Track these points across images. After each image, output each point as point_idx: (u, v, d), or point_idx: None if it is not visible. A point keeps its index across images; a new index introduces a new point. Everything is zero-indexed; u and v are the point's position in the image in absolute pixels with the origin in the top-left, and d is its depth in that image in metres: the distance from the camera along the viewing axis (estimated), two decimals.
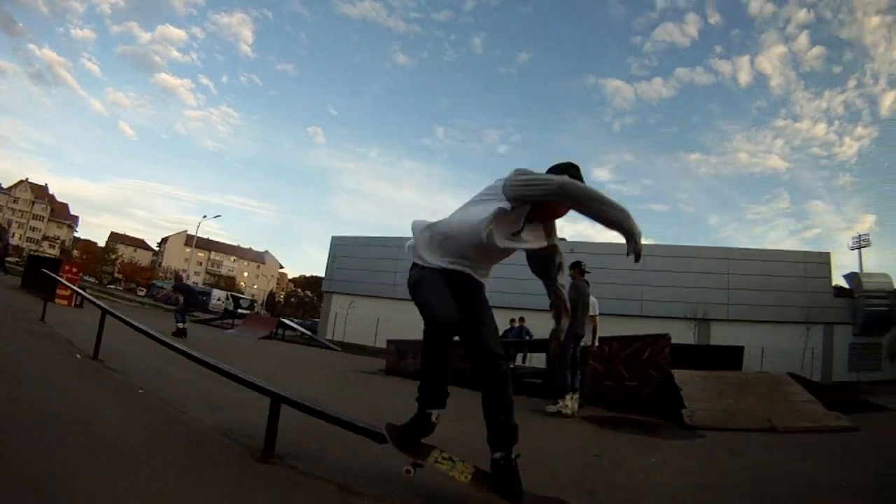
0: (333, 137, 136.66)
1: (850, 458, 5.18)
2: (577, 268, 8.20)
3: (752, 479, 3.97)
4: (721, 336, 27.95)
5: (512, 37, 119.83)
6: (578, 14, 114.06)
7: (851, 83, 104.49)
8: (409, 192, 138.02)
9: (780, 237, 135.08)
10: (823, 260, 33.12)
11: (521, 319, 17.50)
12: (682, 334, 26.03)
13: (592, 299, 8.65)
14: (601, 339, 9.49)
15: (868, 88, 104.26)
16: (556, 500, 2.85)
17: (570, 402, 7.47)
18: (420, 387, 2.93)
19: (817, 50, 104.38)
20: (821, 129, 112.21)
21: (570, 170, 2.95)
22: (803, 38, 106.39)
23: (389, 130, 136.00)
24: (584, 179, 2.89)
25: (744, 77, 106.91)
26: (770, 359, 27.22)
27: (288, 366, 11.10)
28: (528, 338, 16.45)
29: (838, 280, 33.50)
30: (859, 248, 46.46)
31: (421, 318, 2.93)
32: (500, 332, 8.44)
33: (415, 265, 3.10)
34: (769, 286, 30.64)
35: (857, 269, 37.35)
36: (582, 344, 8.50)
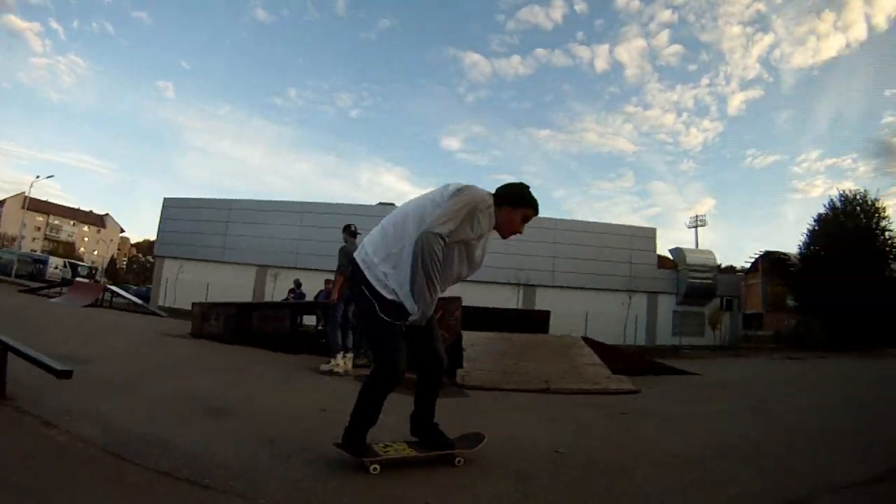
0: (184, 93, 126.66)
1: (569, 419, 4.90)
2: (348, 230, 8.14)
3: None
4: (546, 301, 29.03)
5: (377, 1, 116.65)
6: None
7: (704, 81, 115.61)
8: (256, 153, 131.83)
9: (623, 212, 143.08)
10: (649, 235, 35.53)
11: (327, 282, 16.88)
12: (508, 299, 27.96)
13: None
14: None
15: (719, 88, 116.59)
16: (477, 435, 3.27)
17: (341, 361, 7.41)
18: (356, 427, 3.00)
19: (676, 48, 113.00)
20: (670, 118, 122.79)
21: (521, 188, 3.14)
22: (664, 36, 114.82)
23: (241, 88, 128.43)
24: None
25: (601, 64, 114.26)
26: (594, 324, 28.93)
27: (92, 331, 10.34)
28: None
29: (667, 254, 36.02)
30: (696, 227, 51.27)
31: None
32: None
33: (377, 294, 2.90)
34: (596, 256, 32.57)
35: (693, 246, 39.84)
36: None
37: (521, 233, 3.10)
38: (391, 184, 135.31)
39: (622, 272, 32.28)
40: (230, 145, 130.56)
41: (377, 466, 2.90)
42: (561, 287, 31.55)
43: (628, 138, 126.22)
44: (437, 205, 2.83)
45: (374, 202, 33.34)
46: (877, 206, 30.69)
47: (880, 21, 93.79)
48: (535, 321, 12.76)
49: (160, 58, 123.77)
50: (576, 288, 31.55)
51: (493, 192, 3.06)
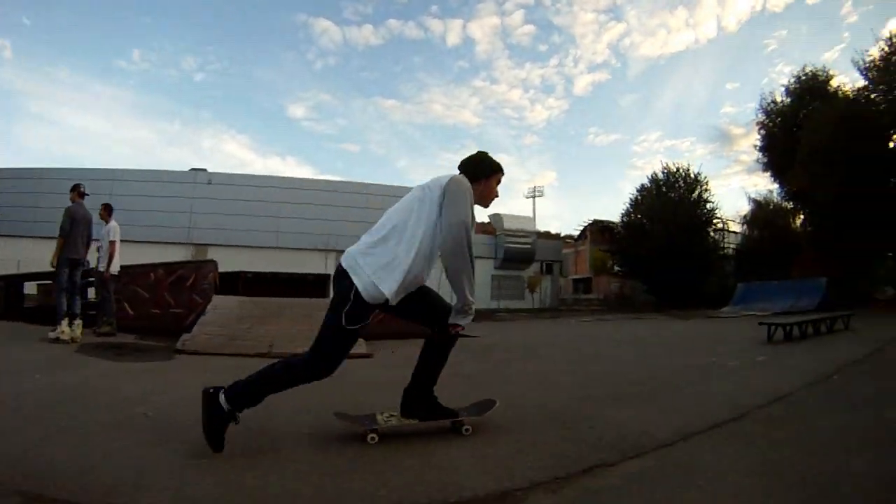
0: (22, 53, 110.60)
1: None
2: (76, 190, 8.00)
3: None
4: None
5: None
6: None
7: (553, 62, 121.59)
8: (95, 120, 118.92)
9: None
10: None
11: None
12: (317, 265, 27.34)
13: (112, 224, 8.48)
14: (145, 266, 8.74)
15: (567, 69, 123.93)
16: (488, 402, 3.38)
17: (66, 328, 7.24)
18: (250, 391, 2.85)
19: (528, 28, 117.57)
20: (516, 94, 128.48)
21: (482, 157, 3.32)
22: (518, 15, 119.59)
23: (85, 47, 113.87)
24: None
25: (452, 38, 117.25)
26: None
27: None
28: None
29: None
30: (533, 197, 54.76)
31: None
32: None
33: (357, 295, 2.87)
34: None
35: (531, 215, 42.01)
36: (98, 269, 8.37)
37: (497, 196, 3.26)
38: (233, 151, 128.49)
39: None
40: (68, 112, 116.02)
41: (375, 436, 2.94)
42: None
43: (474, 111, 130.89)
44: (433, 201, 2.92)
45: (186, 168, 32.49)
46: (698, 179, 34.06)
47: (730, 24, 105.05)
48: (310, 284, 13.55)
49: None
50: None
51: (459, 173, 3.13)
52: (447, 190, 2.89)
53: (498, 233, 35.89)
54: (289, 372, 2.87)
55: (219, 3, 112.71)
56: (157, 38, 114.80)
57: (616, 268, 38.04)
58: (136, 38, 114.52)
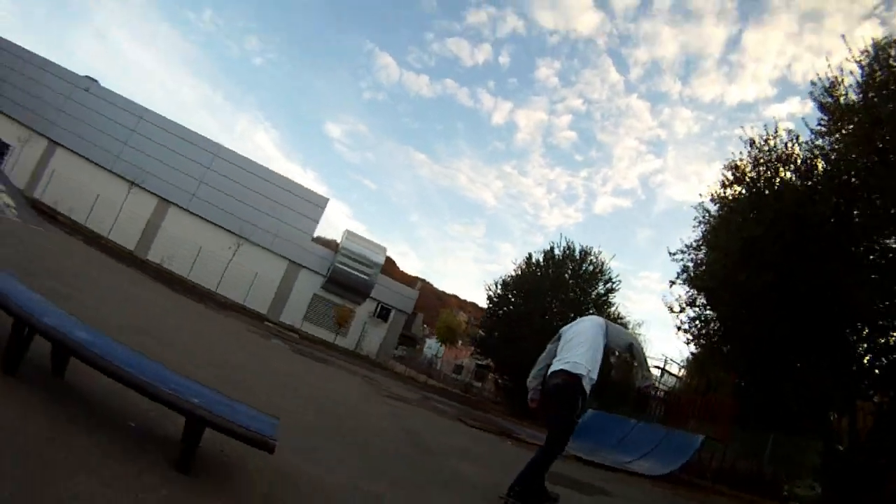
0: None
1: None
2: None
3: None
4: (173, 223, 31.05)
5: None
6: None
7: (583, 173, 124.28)
8: (146, 56, 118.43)
9: (466, 257, 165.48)
10: (319, 203, 34.54)
11: None
12: (142, 205, 29.47)
13: None
14: None
15: (595, 185, 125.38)
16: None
17: None
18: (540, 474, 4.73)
19: (571, 134, 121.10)
20: (539, 192, 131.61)
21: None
22: (566, 119, 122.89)
23: None
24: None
25: (498, 118, 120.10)
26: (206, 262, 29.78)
27: None
28: None
29: None
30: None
31: None
32: None
33: (580, 380, 4.54)
34: (247, 199, 31.99)
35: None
36: None
37: None
38: (261, 143, 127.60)
39: (264, 225, 31.47)
40: (127, 39, 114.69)
41: None
42: (193, 214, 31.07)
43: (495, 194, 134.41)
44: (601, 330, 4.91)
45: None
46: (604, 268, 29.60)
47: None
48: None
49: None
50: (205, 220, 30.81)
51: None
52: (608, 325, 5.05)
53: (338, 251, 32.81)
54: (547, 457, 4.64)
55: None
56: (230, 7, 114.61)
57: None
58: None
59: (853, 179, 12.63)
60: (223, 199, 31.10)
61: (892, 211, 12.16)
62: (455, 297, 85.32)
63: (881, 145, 12.04)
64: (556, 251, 29.68)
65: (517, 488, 4.36)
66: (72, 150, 30.10)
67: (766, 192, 14.23)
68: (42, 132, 29.67)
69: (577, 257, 29.28)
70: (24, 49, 32.02)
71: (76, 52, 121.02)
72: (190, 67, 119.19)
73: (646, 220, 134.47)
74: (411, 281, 40.78)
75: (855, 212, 13.05)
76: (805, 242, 12.93)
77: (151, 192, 30.16)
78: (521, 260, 31.55)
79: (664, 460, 14.75)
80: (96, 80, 33.15)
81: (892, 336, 13.75)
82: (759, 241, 13.46)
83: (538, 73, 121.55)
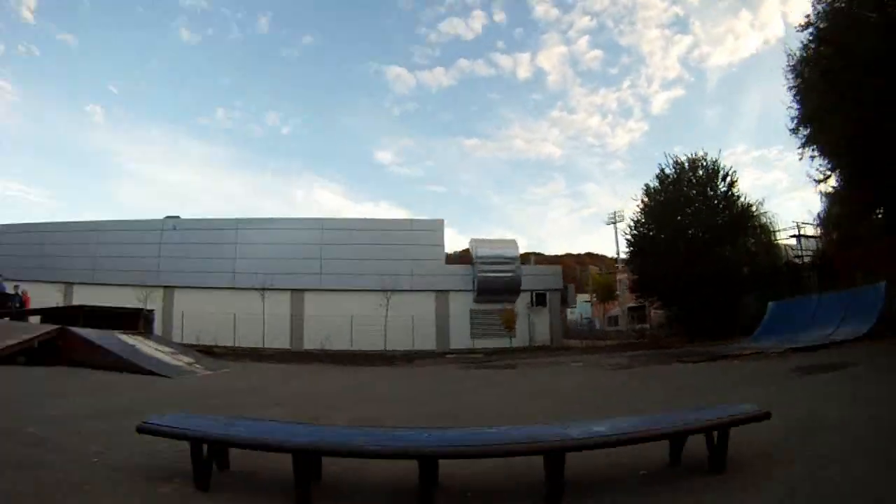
0: (113, 117, 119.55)
1: None
2: None
3: None
4: (313, 306, 31.63)
5: (299, 18, 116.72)
6: (366, 1, 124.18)
7: (626, 83, 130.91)
8: (187, 174, 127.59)
9: (559, 216, 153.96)
10: (434, 227, 35.17)
11: None
12: (278, 304, 30.68)
13: None
14: None
15: (642, 89, 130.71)
16: None
17: None
18: None
19: (596, 53, 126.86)
20: (595, 121, 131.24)
21: None
22: (583, 42, 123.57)
23: (168, 110, 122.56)
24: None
25: (523, 72, 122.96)
26: (362, 328, 30.05)
27: None
28: None
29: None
30: (614, 223, 52.10)
31: None
32: None
33: None
34: (370, 255, 32.50)
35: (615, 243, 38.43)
36: None
37: None
38: (326, 200, 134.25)
39: (402, 270, 32.03)
40: (161, 169, 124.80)
41: None
42: (328, 290, 32.13)
43: (556, 143, 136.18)
44: None
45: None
46: (717, 168, 29.49)
47: (797, 18, 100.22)
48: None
49: (87, 81, 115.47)
50: (341, 290, 32.04)
51: None
52: None
53: (474, 261, 34.02)
54: None
55: (292, 60, 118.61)
56: (240, 98, 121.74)
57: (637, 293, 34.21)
58: (218, 98, 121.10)
59: None
60: (349, 264, 32.19)
61: None
62: (568, 255, 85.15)
63: None
64: (667, 171, 30.30)
65: None
66: (188, 287, 31.69)
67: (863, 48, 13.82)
68: (154, 283, 30.69)
69: (687, 168, 29.70)
70: (91, 222, 35.21)
71: (124, 201, 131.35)
72: (228, 164, 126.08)
73: (705, 100, 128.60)
74: (525, 259, 42.34)
75: None
76: None
77: (282, 289, 31.29)
78: (640, 195, 31.55)
79: (859, 320, 15.57)
80: (178, 216, 35.39)
81: None
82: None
83: (536, 12, 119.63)
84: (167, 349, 16.47)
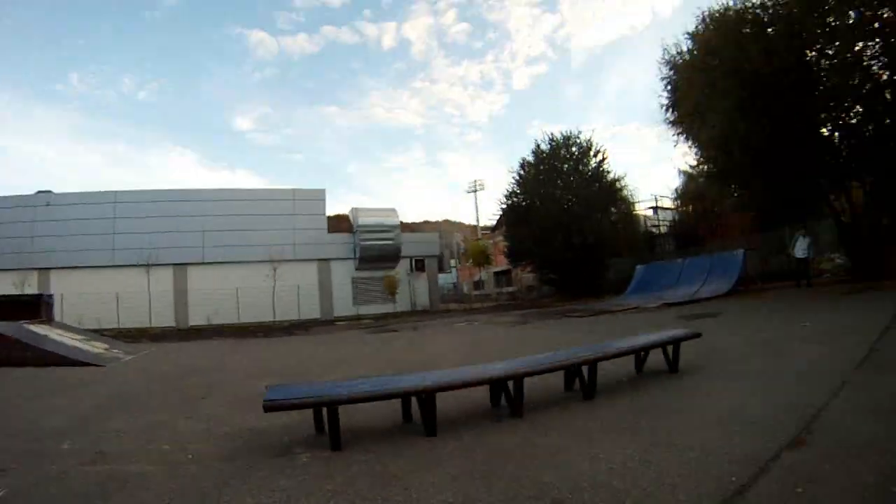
0: None
1: None
2: None
3: None
4: (198, 280, 30.64)
5: None
6: None
7: (490, 57, 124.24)
8: (41, 145, 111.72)
9: (418, 184, 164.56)
10: (317, 197, 35.46)
11: None
12: (161, 281, 29.56)
13: None
14: None
15: (505, 64, 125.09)
16: None
17: None
18: None
19: (463, 26, 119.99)
20: (456, 92, 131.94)
21: None
22: (451, 14, 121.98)
23: (20, 73, 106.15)
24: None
25: (388, 41, 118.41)
26: (247, 300, 30.21)
27: None
28: None
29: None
30: (474, 191, 57.45)
31: None
32: None
33: None
34: (253, 226, 32.25)
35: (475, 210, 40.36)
36: None
37: None
38: (185, 167, 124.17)
39: (285, 240, 32.38)
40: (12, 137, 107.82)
41: None
42: (211, 263, 31.53)
43: (416, 112, 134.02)
44: None
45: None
46: (591, 146, 32.20)
47: (664, 8, 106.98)
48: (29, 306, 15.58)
49: None
50: (229, 262, 31.54)
51: None
52: None
53: (355, 230, 34.91)
54: None
55: (154, 22, 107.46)
56: (95, 62, 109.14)
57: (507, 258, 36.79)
58: (72, 62, 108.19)
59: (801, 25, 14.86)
60: (232, 236, 31.54)
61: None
62: (426, 222, 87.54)
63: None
64: (542, 146, 32.87)
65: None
66: (63, 267, 29.61)
67: (738, 56, 15.86)
68: (29, 265, 28.66)
69: (562, 143, 32.24)
70: None
71: None
72: (81, 133, 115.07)
73: (568, 77, 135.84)
74: None
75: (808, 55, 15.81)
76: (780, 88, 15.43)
77: (164, 264, 30.10)
78: (516, 168, 33.82)
79: (721, 280, 18.94)
80: (50, 191, 32.50)
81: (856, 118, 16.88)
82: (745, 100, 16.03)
83: None
84: (78, 336, 15.66)
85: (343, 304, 33.39)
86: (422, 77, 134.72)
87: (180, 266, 31.46)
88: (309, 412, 4.78)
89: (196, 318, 30.07)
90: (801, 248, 17.02)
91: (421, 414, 4.58)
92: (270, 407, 4.16)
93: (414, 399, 4.78)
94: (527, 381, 5.14)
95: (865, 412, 4.08)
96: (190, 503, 3.19)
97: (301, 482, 3.48)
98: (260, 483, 3.49)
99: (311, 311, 32.40)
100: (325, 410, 4.35)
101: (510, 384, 5.07)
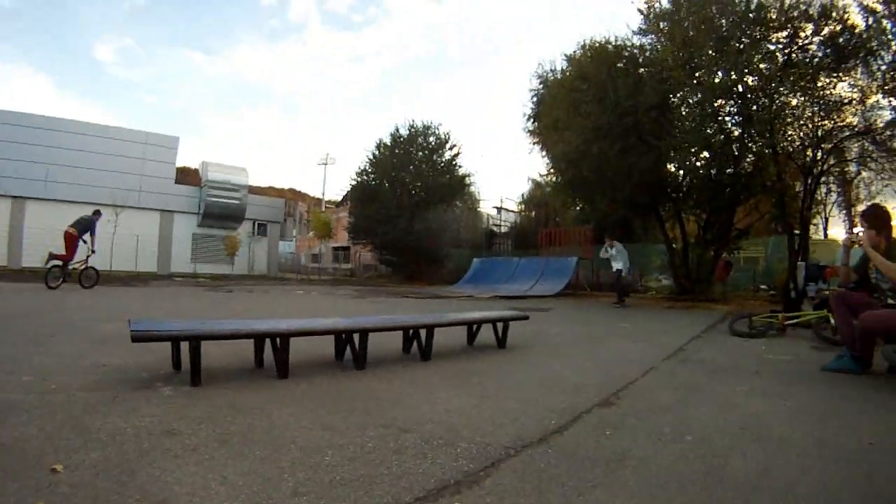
0: None
1: None
2: None
3: None
4: (38, 217, 27.68)
5: None
6: None
7: (367, 33, 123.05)
8: None
9: (272, 149, 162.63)
10: (169, 144, 33.38)
11: None
12: None
13: None
14: None
15: (380, 42, 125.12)
16: None
17: None
18: None
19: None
20: (326, 62, 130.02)
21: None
22: None
23: None
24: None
25: None
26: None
27: None
28: None
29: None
30: (325, 164, 57.23)
31: None
32: None
33: None
34: (103, 165, 29.85)
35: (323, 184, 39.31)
36: None
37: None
38: (36, 90, 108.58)
39: (132, 185, 30.36)
40: None
41: None
42: (55, 200, 28.27)
43: (282, 75, 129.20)
44: None
45: None
46: (447, 139, 33.33)
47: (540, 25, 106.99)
48: None
49: None
50: (69, 202, 27.86)
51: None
52: None
53: (202, 184, 33.79)
54: None
55: None
56: None
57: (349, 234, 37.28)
58: None
59: (670, 73, 16.11)
60: (78, 173, 29.12)
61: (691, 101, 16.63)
62: (272, 188, 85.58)
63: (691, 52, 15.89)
64: (402, 130, 34.17)
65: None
66: None
67: (607, 85, 16.81)
68: None
69: (421, 131, 33.70)
70: None
71: None
72: None
73: (441, 66, 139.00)
74: None
75: (671, 99, 16.95)
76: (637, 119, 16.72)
77: (3, 196, 27.64)
78: (372, 148, 35.24)
79: (553, 282, 20.67)
80: None
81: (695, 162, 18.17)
82: (604, 126, 16.88)
83: None
84: None
85: (181, 260, 32.65)
86: (295, 39, 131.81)
87: (18, 199, 28.51)
88: (164, 352, 4.91)
89: (30, 260, 27.10)
90: (616, 259, 16.60)
91: (275, 358, 4.91)
92: (138, 337, 4.16)
93: (267, 345, 5.13)
94: (368, 341, 5.51)
95: (667, 388, 5.01)
96: (65, 426, 3.19)
97: (168, 409, 3.65)
98: (129, 410, 3.57)
99: (149, 263, 31.11)
100: (188, 346, 4.36)
101: (356, 337, 5.44)
